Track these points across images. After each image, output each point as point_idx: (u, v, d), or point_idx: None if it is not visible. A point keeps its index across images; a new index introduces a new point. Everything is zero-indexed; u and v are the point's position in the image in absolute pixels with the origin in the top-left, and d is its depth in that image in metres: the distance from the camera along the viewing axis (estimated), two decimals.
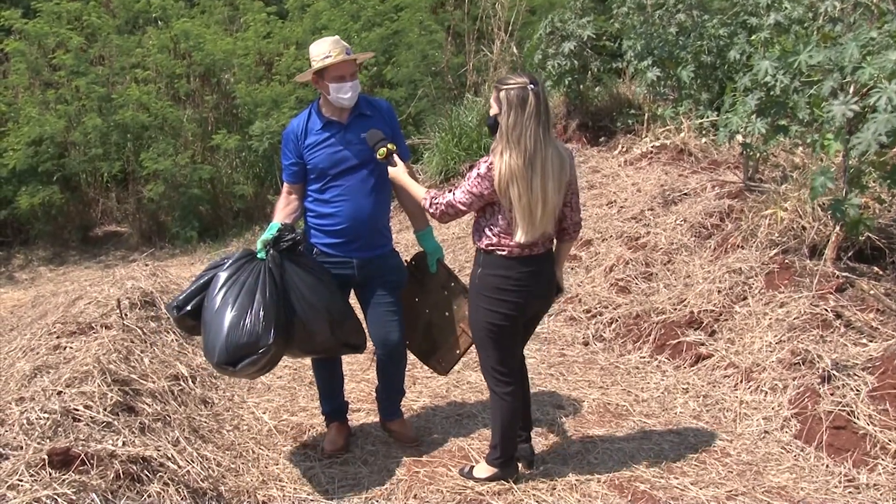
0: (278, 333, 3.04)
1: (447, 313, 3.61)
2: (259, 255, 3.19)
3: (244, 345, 2.99)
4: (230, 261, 3.19)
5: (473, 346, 3.48)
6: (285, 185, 3.52)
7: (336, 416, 3.73)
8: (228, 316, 3.02)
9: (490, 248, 3.07)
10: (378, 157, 3.29)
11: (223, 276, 3.14)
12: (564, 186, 3.04)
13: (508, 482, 3.30)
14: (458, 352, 3.64)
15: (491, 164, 2.96)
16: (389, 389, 3.68)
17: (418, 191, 3.25)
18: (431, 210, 3.14)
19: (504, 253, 3.05)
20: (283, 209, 3.46)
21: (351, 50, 3.36)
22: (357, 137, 3.36)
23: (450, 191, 3.10)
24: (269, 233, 3.25)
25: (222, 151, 9.71)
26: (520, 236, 2.99)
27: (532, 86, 2.89)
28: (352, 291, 3.55)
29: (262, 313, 3.02)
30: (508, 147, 2.92)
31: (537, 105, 2.90)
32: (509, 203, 2.96)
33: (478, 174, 2.99)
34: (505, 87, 2.93)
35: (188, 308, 3.18)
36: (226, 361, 3.01)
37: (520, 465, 3.40)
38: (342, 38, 3.44)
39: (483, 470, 3.35)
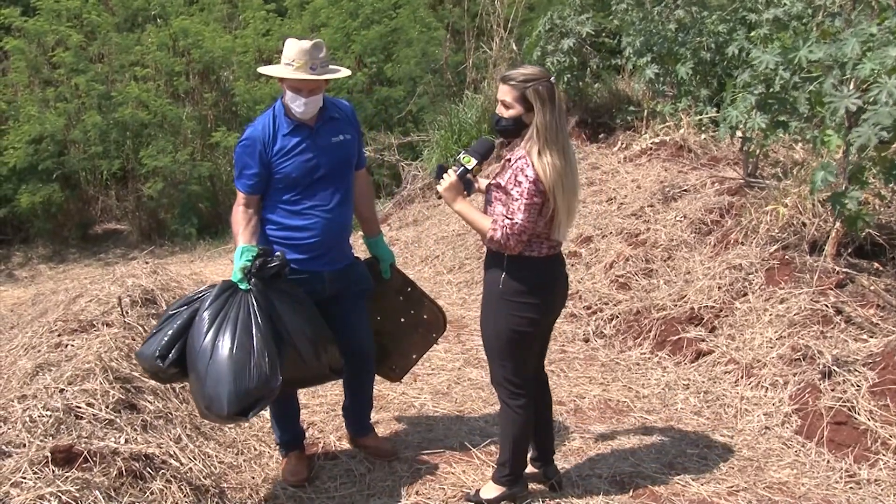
0: (281, 369, 2.81)
1: (402, 319, 3.52)
2: (242, 286, 2.89)
3: (254, 389, 2.74)
4: (210, 297, 2.87)
5: (426, 353, 3.50)
6: (242, 196, 3.12)
7: (294, 445, 3.45)
8: (230, 360, 2.75)
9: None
10: (463, 159, 2.97)
11: (207, 315, 2.82)
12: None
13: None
14: (413, 356, 3.59)
15: (533, 168, 2.74)
16: (361, 402, 3.52)
17: (484, 224, 2.88)
18: (511, 244, 2.79)
19: (534, 254, 2.87)
20: (247, 227, 3.09)
21: (326, 62, 3.02)
22: (328, 142, 3.11)
23: (508, 218, 2.79)
24: (245, 259, 2.93)
25: (222, 149, 9.72)
26: (562, 234, 2.86)
27: (552, 77, 2.77)
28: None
29: (266, 352, 2.78)
30: (547, 147, 2.72)
31: (558, 96, 2.78)
32: (553, 203, 2.78)
33: (530, 183, 2.74)
34: (530, 83, 2.73)
35: (171, 356, 2.85)
36: (237, 412, 2.73)
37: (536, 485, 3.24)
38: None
39: (491, 490, 3.17)
